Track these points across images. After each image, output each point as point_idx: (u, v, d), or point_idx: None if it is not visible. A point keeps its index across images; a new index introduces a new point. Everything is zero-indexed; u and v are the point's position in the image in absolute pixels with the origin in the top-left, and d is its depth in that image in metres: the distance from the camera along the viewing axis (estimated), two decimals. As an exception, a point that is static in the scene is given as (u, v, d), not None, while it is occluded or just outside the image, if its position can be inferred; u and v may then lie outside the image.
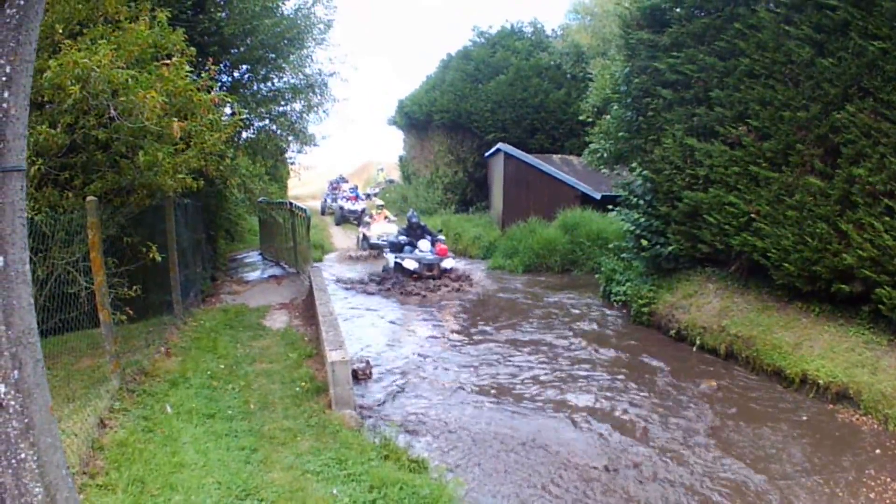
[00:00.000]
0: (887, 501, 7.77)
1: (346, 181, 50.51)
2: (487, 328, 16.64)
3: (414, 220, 25.74)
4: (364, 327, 16.98)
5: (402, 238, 25.06)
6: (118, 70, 9.65)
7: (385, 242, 27.96)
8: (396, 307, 20.12)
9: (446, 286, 22.60)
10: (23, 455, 3.54)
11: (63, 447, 3.89)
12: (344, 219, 40.97)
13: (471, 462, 9.09)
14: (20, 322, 3.49)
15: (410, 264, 23.31)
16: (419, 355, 14.18)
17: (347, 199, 42.04)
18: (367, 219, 33.28)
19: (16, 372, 3.47)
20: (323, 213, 46.28)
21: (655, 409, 10.84)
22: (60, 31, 10.15)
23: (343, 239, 35.15)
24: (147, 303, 12.05)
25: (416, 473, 7.85)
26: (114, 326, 9.25)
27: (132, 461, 7.10)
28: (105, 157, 10.99)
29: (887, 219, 10.67)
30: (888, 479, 8.28)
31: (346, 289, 22.47)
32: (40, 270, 8.65)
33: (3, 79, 3.37)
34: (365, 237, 31.07)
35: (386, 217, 32.36)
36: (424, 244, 24.34)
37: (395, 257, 24.21)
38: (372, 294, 21.87)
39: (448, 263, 23.89)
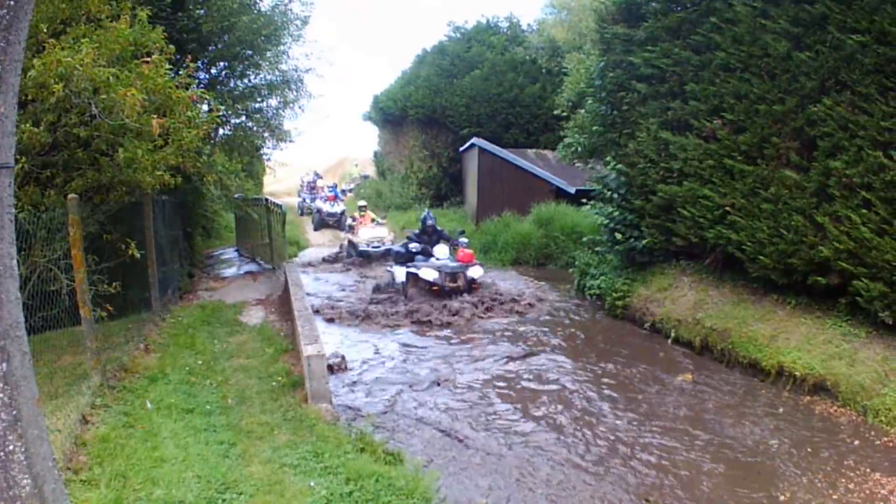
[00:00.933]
0: (867, 492, 7.84)
1: (320, 177, 49.99)
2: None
3: (430, 221, 20.66)
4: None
5: (414, 245, 19.74)
6: (100, 68, 9.73)
7: (375, 249, 25.44)
8: (425, 355, 13.85)
9: (483, 304, 17.65)
10: (11, 447, 3.56)
11: (49, 439, 3.93)
12: (323, 223, 36.04)
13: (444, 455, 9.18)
14: (8, 315, 3.52)
15: (429, 274, 18.34)
16: None
17: (326, 200, 37.12)
18: (350, 222, 29.12)
19: (3, 364, 3.50)
20: (302, 213, 43.01)
21: (630, 403, 10.91)
22: (45, 30, 10.15)
23: (318, 235, 34.98)
24: (126, 300, 12.07)
25: (392, 466, 7.89)
26: (94, 323, 9.27)
27: (114, 456, 7.12)
28: (86, 155, 11.02)
29: (864, 211, 10.74)
30: (867, 470, 8.35)
31: (329, 320, 16.79)
32: (22, 269, 8.66)
33: (-7, 78, 3.41)
34: (352, 244, 26.48)
35: (373, 220, 28.33)
36: (442, 249, 19.45)
37: (408, 268, 19.04)
38: (377, 325, 16.28)
39: (475, 272, 18.99)
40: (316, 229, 36.01)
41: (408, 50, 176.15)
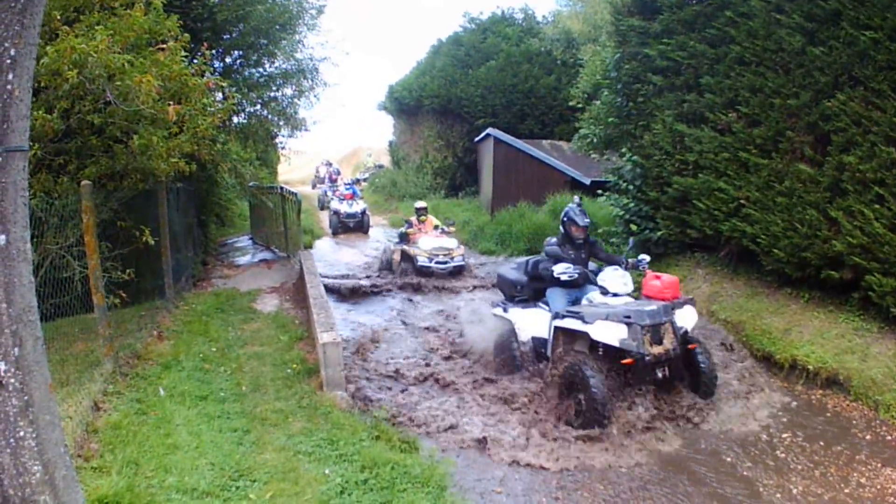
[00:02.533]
0: (878, 487, 7.81)
1: (331, 165, 49.46)
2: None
3: (583, 221, 11.02)
4: None
5: (564, 270, 10.58)
6: (115, 55, 9.70)
7: (441, 265, 19.37)
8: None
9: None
10: (22, 433, 3.55)
11: (61, 424, 3.92)
12: (342, 226, 30.05)
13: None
14: (21, 300, 3.52)
15: (612, 333, 9.23)
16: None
17: (343, 200, 31.34)
18: (405, 229, 21.01)
19: (16, 349, 3.50)
20: (322, 207, 38.43)
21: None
22: (58, 17, 10.14)
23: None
24: (139, 287, 12.08)
25: (408, 454, 7.89)
26: (107, 310, 9.29)
27: (126, 443, 7.15)
28: (99, 142, 11.05)
29: (878, 206, 10.70)
30: (879, 465, 8.31)
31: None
32: (35, 256, 8.68)
33: (8, 61, 3.40)
34: (407, 257, 20.14)
35: (436, 226, 21.43)
36: (614, 277, 10.51)
37: (556, 318, 10.34)
38: None
39: (686, 318, 10.06)
40: (334, 234, 29.92)
41: (409, 50, 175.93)
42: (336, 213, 30.48)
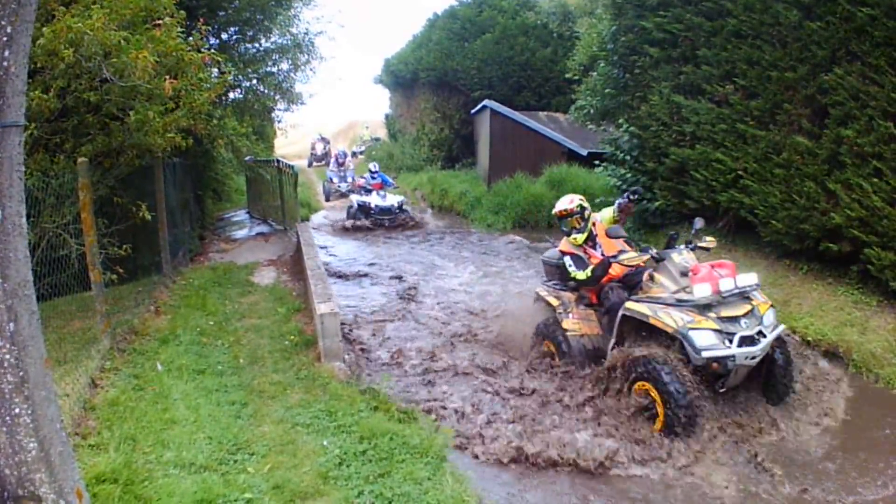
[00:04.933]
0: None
1: (328, 141, 48.38)
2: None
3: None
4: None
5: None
6: (111, 32, 9.67)
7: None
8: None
9: None
10: (17, 410, 3.56)
11: (57, 400, 3.92)
12: (377, 224, 24.86)
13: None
14: (16, 274, 3.52)
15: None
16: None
17: (370, 191, 26.23)
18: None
19: (11, 325, 3.50)
20: (328, 197, 32.32)
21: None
22: (54, -1, 10.14)
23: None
24: (136, 264, 12.13)
25: (406, 424, 7.88)
26: (104, 287, 9.30)
27: (123, 420, 7.16)
28: (95, 120, 11.04)
29: (876, 180, 10.68)
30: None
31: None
32: (31, 235, 8.66)
33: (4, 38, 3.40)
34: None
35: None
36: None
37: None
38: None
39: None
40: (351, 223, 25.22)
41: (396, 43, 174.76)
42: (365, 208, 25.34)
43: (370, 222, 24.69)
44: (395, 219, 24.94)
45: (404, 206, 25.93)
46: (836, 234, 11.50)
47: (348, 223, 25.05)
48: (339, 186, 31.48)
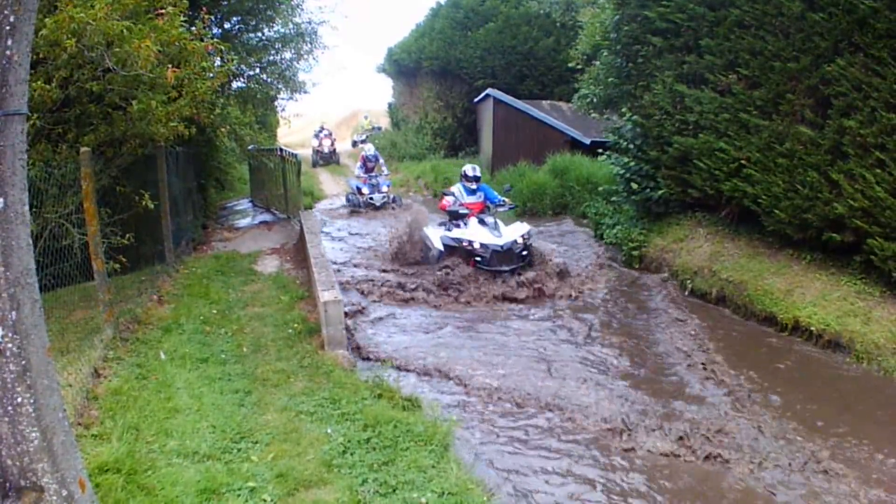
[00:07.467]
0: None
1: (331, 133, 43.11)
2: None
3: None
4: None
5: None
6: (113, 22, 9.66)
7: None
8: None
9: None
10: (19, 399, 3.54)
11: (60, 389, 3.91)
12: (435, 260, 15.70)
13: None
14: (18, 262, 3.51)
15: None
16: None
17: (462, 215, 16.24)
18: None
19: (13, 313, 3.49)
20: (357, 205, 25.52)
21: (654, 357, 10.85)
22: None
23: (333, 185, 33.60)
24: (139, 253, 12.12)
25: (410, 412, 7.90)
26: (107, 276, 9.30)
27: (127, 409, 7.16)
28: (98, 110, 11.01)
29: (879, 171, 10.68)
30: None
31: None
32: (33, 226, 8.67)
33: (7, 27, 3.40)
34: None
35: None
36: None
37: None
38: None
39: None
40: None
41: (399, 31, 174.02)
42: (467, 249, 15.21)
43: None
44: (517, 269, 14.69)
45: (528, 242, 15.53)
46: (838, 225, 11.49)
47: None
48: (370, 198, 25.24)
